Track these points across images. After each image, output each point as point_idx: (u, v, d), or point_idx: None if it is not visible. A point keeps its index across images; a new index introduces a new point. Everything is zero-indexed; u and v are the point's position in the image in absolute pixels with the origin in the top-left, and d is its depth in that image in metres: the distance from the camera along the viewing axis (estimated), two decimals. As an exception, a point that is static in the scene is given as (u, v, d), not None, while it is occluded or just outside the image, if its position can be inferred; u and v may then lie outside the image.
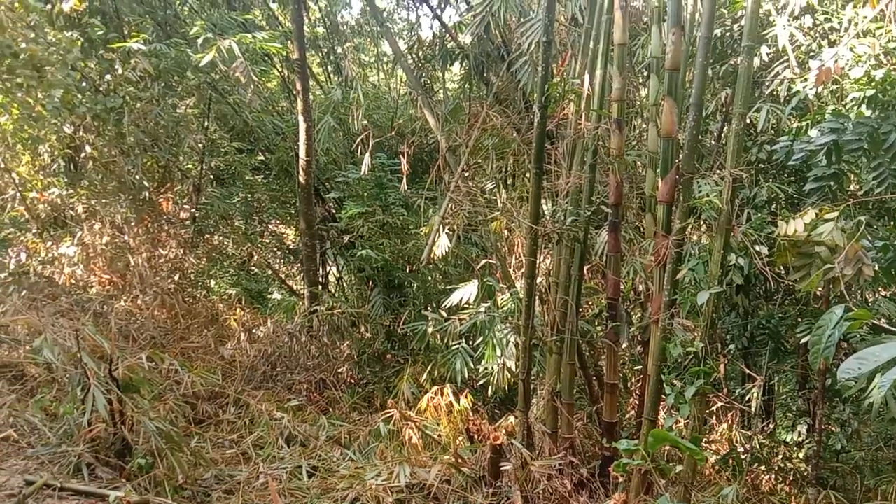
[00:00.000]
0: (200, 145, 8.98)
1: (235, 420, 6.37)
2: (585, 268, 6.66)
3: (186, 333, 7.73)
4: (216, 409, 6.50)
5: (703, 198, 5.08)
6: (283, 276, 11.12)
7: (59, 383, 5.71)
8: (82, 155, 8.79)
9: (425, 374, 7.43)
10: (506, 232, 7.60)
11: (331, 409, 7.26)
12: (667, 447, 5.65)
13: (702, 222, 6.47)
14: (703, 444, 7.16)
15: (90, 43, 8.44)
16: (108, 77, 8.43)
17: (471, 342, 7.03)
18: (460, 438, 6.35)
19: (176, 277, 8.42)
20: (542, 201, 6.25)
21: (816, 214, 4.39)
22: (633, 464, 2.13)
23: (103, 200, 8.44)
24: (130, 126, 8.24)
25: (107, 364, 5.26)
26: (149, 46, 8.14)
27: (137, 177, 8.36)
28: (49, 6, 8.12)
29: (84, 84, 8.40)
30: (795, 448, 7.53)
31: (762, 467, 7.44)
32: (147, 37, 8.39)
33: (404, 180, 8.29)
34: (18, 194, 8.43)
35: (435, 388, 6.86)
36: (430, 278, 8.96)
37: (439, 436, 6.59)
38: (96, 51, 8.45)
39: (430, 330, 7.41)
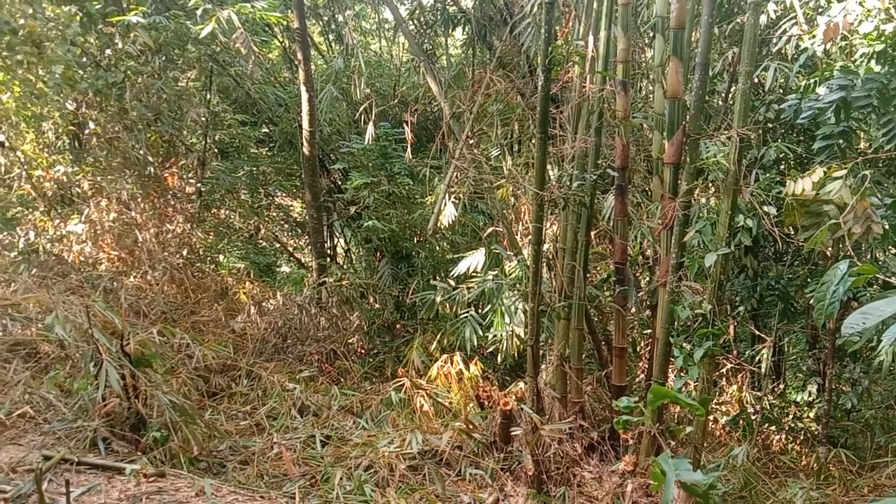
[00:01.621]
0: (203, 119, 8.94)
1: (248, 392, 6.43)
2: (592, 233, 6.63)
3: (196, 308, 7.77)
4: (229, 381, 6.56)
5: (710, 159, 5.02)
6: (290, 249, 11.14)
7: (72, 360, 5.78)
8: (86, 131, 8.78)
9: (435, 343, 7.46)
10: (512, 199, 7.56)
11: (342, 380, 7.32)
12: (677, 410, 5.69)
13: (709, 184, 6.40)
14: (714, 406, 7.20)
15: (89, 17, 8.37)
16: (108, 52, 8.37)
17: (479, 310, 7.04)
18: (471, 405, 6.40)
19: (184, 252, 8.45)
20: (548, 167, 6.20)
21: (825, 173, 4.34)
22: (633, 420, 2.13)
23: (109, 177, 8.45)
24: (133, 101, 8.20)
25: (118, 339, 5.32)
26: (148, 19, 8.06)
27: (142, 152, 8.35)
28: (47, -19, 8.04)
29: (84, 59, 8.35)
30: (806, 408, 7.56)
31: (772, 427, 7.48)
32: (146, 9, 8.30)
33: (409, 149, 8.22)
34: (24, 173, 8.45)
35: (445, 356, 6.89)
36: (437, 247, 8.95)
37: (450, 403, 6.64)
38: (95, 25, 8.38)
39: (438, 299, 7.41)
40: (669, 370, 5.45)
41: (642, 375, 7.33)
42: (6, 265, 7.63)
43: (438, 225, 7.56)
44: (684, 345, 5.02)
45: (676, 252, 5.07)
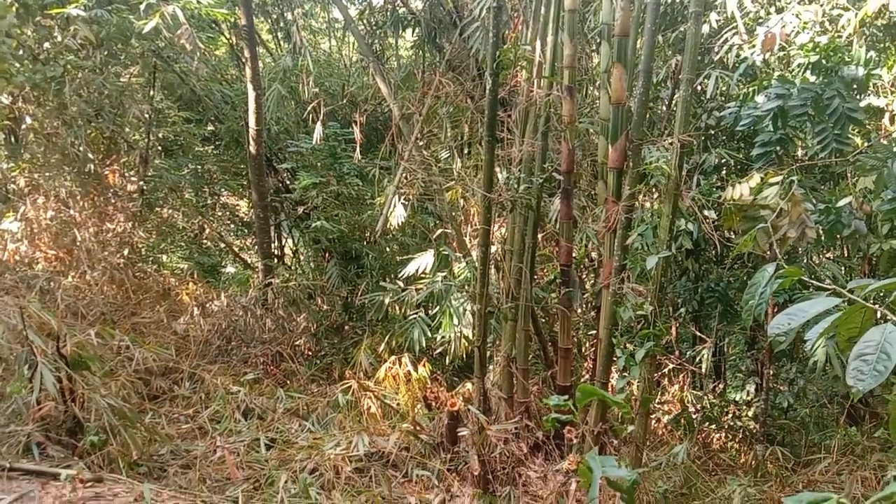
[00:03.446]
0: (147, 115, 8.72)
1: (190, 395, 6.30)
2: (539, 235, 6.72)
3: (137, 309, 7.58)
4: (170, 384, 6.42)
5: (652, 164, 5.15)
6: (236, 249, 10.96)
7: (5, 362, 5.56)
8: (23, 127, 8.48)
9: (383, 345, 7.44)
10: (461, 201, 7.61)
11: (288, 382, 7.23)
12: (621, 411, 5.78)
13: (652, 188, 6.56)
14: (656, 405, 7.36)
15: (26, 9, 8.07)
16: (46, 45, 8.11)
17: (428, 311, 7.06)
18: (418, 406, 6.41)
19: (125, 252, 8.22)
20: (496, 169, 6.25)
21: (762, 179, 4.49)
22: (562, 419, 2.19)
23: (46, 174, 8.17)
24: (72, 96, 7.95)
25: (54, 341, 5.15)
26: (89, 13, 7.82)
27: (81, 149, 8.10)
28: (-21, -30, 7.73)
29: (21, 52, 8.07)
30: (744, 407, 7.79)
31: (713, 426, 7.70)
32: (87, 2, 8.05)
33: (358, 150, 8.20)
34: (-45, 169, 8.12)
35: (393, 357, 6.89)
36: (386, 249, 8.92)
37: (398, 405, 6.63)
38: (33, 17, 8.09)
39: (387, 300, 7.41)
40: (613, 370, 5.56)
41: (587, 375, 7.46)
42: (-65, 265, 7.32)
43: (388, 226, 7.56)
44: (627, 345, 5.13)
45: (619, 255, 5.17)
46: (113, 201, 8.44)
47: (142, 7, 7.70)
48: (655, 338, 4.92)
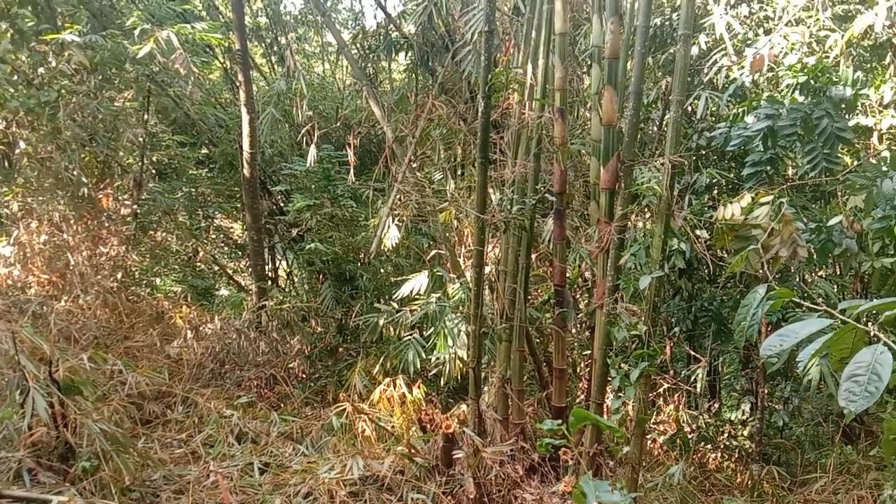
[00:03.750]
0: (141, 139, 8.75)
1: (184, 419, 6.25)
2: (533, 256, 6.74)
3: (130, 333, 7.54)
4: (163, 408, 6.37)
5: (644, 184, 5.19)
6: (230, 272, 10.94)
7: (-4, 388, 5.51)
8: (16, 151, 8.49)
9: (378, 367, 7.41)
10: (455, 222, 7.63)
11: (282, 405, 7.19)
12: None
13: (644, 208, 6.60)
14: (651, 426, 7.34)
15: (20, 34, 8.12)
16: (41, 70, 8.14)
17: (423, 333, 7.05)
18: (413, 429, 6.37)
19: (118, 276, 8.19)
20: (489, 190, 6.29)
21: (753, 198, 4.53)
22: (556, 444, 2.20)
23: (40, 198, 8.17)
24: (66, 120, 7.97)
25: (47, 366, 5.11)
26: (83, 38, 7.87)
27: (75, 173, 8.10)
28: (-26, -3, 7.80)
29: (15, 77, 8.10)
30: (740, 426, 7.78)
31: (708, 446, 7.67)
32: (81, 28, 8.11)
33: (352, 172, 8.23)
34: (-52, 194, 8.11)
35: (387, 379, 6.86)
36: (381, 270, 8.92)
37: (392, 427, 6.59)
38: (27, 43, 8.13)
39: (381, 322, 7.39)
40: (608, 390, 5.55)
41: (582, 396, 7.44)
42: (-74, 290, 7.28)
43: (382, 247, 7.56)
44: (622, 365, 5.13)
45: (613, 275, 5.19)
46: (107, 225, 8.43)
47: (136, 32, 7.76)
48: (650, 357, 4.92)
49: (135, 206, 8.76)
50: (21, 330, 5.67)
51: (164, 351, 7.39)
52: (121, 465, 4.96)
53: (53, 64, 8.07)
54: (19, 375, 5.11)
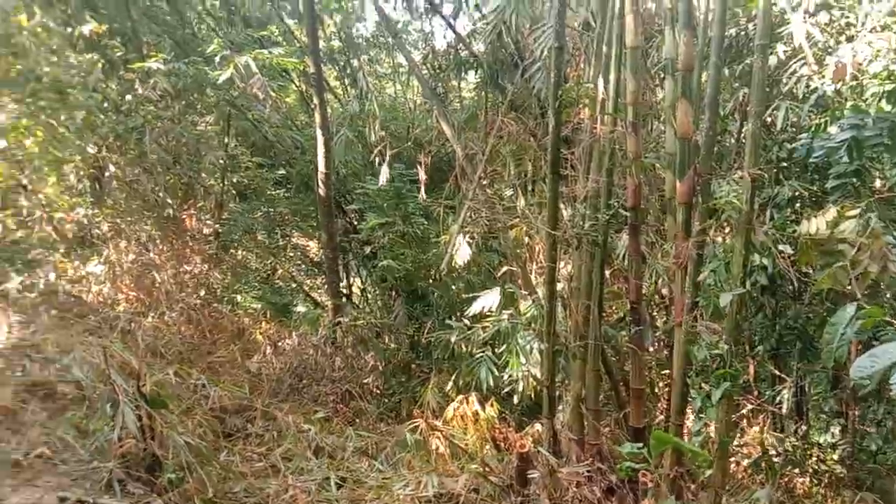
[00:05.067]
0: (221, 161, 9.10)
1: (263, 433, 6.40)
2: (607, 272, 6.63)
3: (213, 348, 7.80)
4: (244, 422, 6.54)
5: (722, 198, 5.05)
6: (306, 289, 11.20)
7: (89, 400, 5.79)
8: (106, 174, 8.94)
9: (450, 384, 7.42)
10: (526, 238, 7.59)
11: (357, 420, 7.28)
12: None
13: (723, 223, 6.42)
14: (735, 448, 7.07)
15: (110, 64, 8.61)
16: (128, 97, 8.58)
17: (495, 350, 7.02)
18: (487, 447, 6.34)
19: (202, 293, 8.52)
20: (561, 206, 6.24)
21: (838, 212, 4.35)
22: (637, 467, 2.14)
23: (128, 219, 8.58)
24: (152, 145, 8.38)
25: (135, 380, 5.34)
26: (167, 65, 8.27)
27: (161, 194, 8.50)
28: (69, 29, 8.29)
29: (105, 105, 8.56)
30: (829, 449, 7.41)
31: (796, 470, 7.33)
32: (165, 56, 8.52)
33: (423, 189, 8.33)
34: (45, 215, 8.60)
35: (460, 396, 6.85)
36: (452, 287, 8.96)
37: (466, 445, 6.57)
38: (116, 71, 8.61)
39: (453, 339, 7.41)
40: (688, 411, 5.39)
41: (661, 416, 7.24)
42: (26, 306, 7.72)
43: (453, 264, 7.60)
44: (703, 386, 4.97)
45: (691, 291, 5.06)
46: (190, 244, 8.79)
47: (217, 59, 8.09)
48: (732, 378, 4.75)
49: (216, 226, 9.11)
50: (111, 345, 5.95)
51: (245, 366, 7.61)
52: (204, 478, 5.12)
53: (140, 91, 8.48)
54: (110, 389, 5.36)
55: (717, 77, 5.25)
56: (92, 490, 4.92)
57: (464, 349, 7.53)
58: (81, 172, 8.95)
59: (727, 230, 6.81)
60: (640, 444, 2.13)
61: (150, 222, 8.56)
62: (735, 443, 7.10)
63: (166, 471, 5.04)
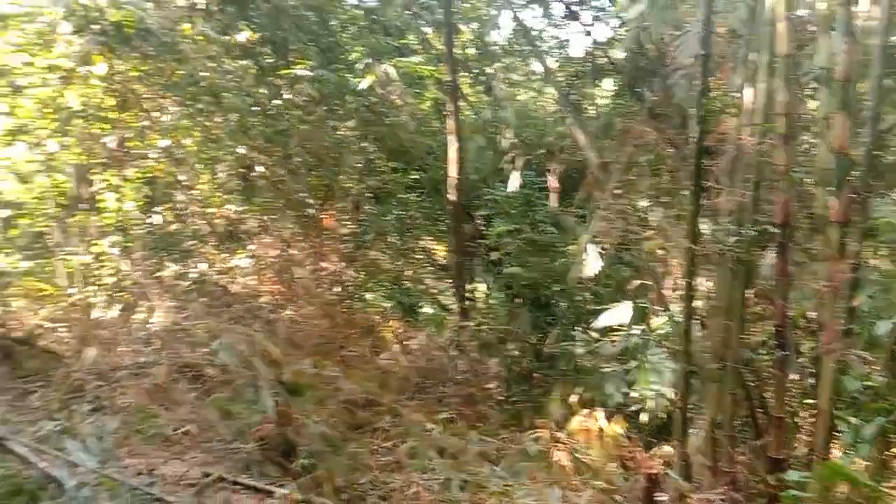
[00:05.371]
0: (359, 165, 9.46)
1: (389, 429, 6.56)
2: (750, 292, 6.30)
3: (345, 343, 8.09)
4: (372, 416, 6.75)
5: (881, 218, 4.69)
6: (433, 292, 11.39)
7: (233, 384, 6.19)
8: (254, 174, 9.54)
9: (575, 396, 7.30)
10: (661, 252, 7.36)
11: (480, 425, 7.31)
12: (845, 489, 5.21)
13: (882, 245, 5.95)
14: (885, 489, 6.51)
15: (261, 70, 9.16)
16: (276, 102, 9.10)
17: (623, 365, 6.85)
18: (612, 465, 6.19)
19: (336, 289, 8.89)
20: (701, 220, 6.00)
21: None
22: (804, 496, 2.01)
23: (272, 216, 9.10)
24: (296, 147, 8.85)
25: (275, 368, 5.67)
26: (313, 72, 8.70)
27: (303, 195, 8.95)
28: (226, 38, 8.90)
29: (256, 108, 9.13)
30: None
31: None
32: (311, 63, 8.97)
33: (554, 197, 8.28)
34: (199, 210, 9.30)
35: (585, 411, 6.73)
36: (579, 297, 8.83)
37: (590, 460, 6.45)
38: (266, 77, 9.15)
39: (579, 351, 7.30)
40: (835, 446, 5.02)
41: (803, 448, 6.77)
42: (179, 293, 8.37)
43: (581, 274, 7.50)
44: (852, 419, 4.63)
45: (844, 317, 4.72)
46: (327, 243, 9.20)
47: (358, 66, 8.43)
48: (888, 413, 4.40)
49: (353, 227, 9.48)
50: (255, 334, 6.34)
51: (374, 362, 7.86)
52: (334, 466, 5.34)
53: (287, 96, 8.98)
54: (252, 375, 5.72)
55: (880, 88, 4.89)
56: (232, 468, 5.25)
57: (589, 362, 7.40)
58: (232, 171, 9.60)
59: (886, 252, 6.31)
60: (806, 474, 2.01)
61: (292, 220, 9.03)
62: (888, 484, 6.55)
63: (300, 456, 5.30)
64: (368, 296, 9.94)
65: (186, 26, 8.71)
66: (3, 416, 5.64)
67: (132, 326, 7.67)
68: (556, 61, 10.83)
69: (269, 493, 4.93)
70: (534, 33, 11.12)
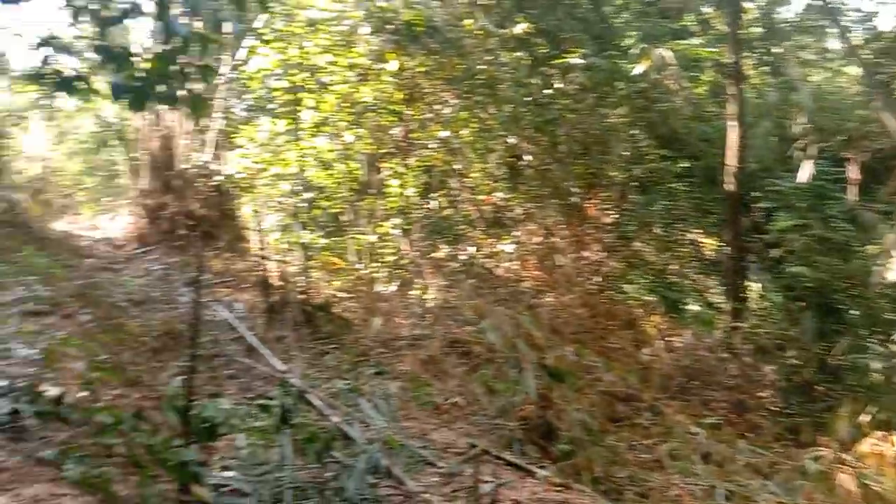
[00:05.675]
0: (627, 153, 9.23)
1: (649, 426, 6.35)
2: None
3: (605, 333, 7.98)
4: (631, 411, 6.58)
5: None
6: (700, 288, 10.77)
7: (498, 363, 6.42)
8: (521, 163, 9.78)
9: (867, 416, 6.44)
10: None
11: (751, 434, 6.77)
12: None
13: None
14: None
15: (535, 61, 9.32)
16: (547, 91, 9.20)
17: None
18: (914, 496, 5.36)
19: (597, 279, 8.80)
20: None
21: None
22: None
23: (537, 204, 9.27)
24: (564, 136, 8.88)
25: (538, 352, 5.77)
26: (586, 60, 8.65)
27: (568, 183, 8.98)
28: (503, 30, 9.21)
29: (528, 99, 9.32)
30: None
31: None
32: (585, 50, 8.92)
33: (852, 190, 7.35)
34: (470, 196, 9.78)
35: (879, 433, 5.91)
36: (877, 304, 7.74)
37: (882, 489, 5.65)
38: (539, 67, 9.29)
39: (875, 365, 6.41)
40: None
41: None
42: (450, 273, 8.90)
43: (885, 279, 6.58)
44: None
45: None
46: (590, 232, 9.14)
47: (632, 51, 8.20)
48: None
49: (616, 216, 9.31)
50: (519, 317, 6.52)
51: (635, 356, 7.64)
52: (592, 456, 5.30)
53: (557, 85, 9.04)
54: (516, 356, 5.88)
55: None
56: (495, 443, 5.45)
57: (888, 378, 6.47)
58: (501, 160, 9.94)
59: None
60: None
61: (556, 208, 9.11)
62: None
63: (560, 441, 5.34)
64: (628, 288, 9.69)
65: (468, 21, 9.16)
66: (304, 371, 6.44)
67: (409, 301, 8.31)
68: (862, 38, 9.55)
69: (531, 473, 5.01)
70: (832, 7, 9.94)
